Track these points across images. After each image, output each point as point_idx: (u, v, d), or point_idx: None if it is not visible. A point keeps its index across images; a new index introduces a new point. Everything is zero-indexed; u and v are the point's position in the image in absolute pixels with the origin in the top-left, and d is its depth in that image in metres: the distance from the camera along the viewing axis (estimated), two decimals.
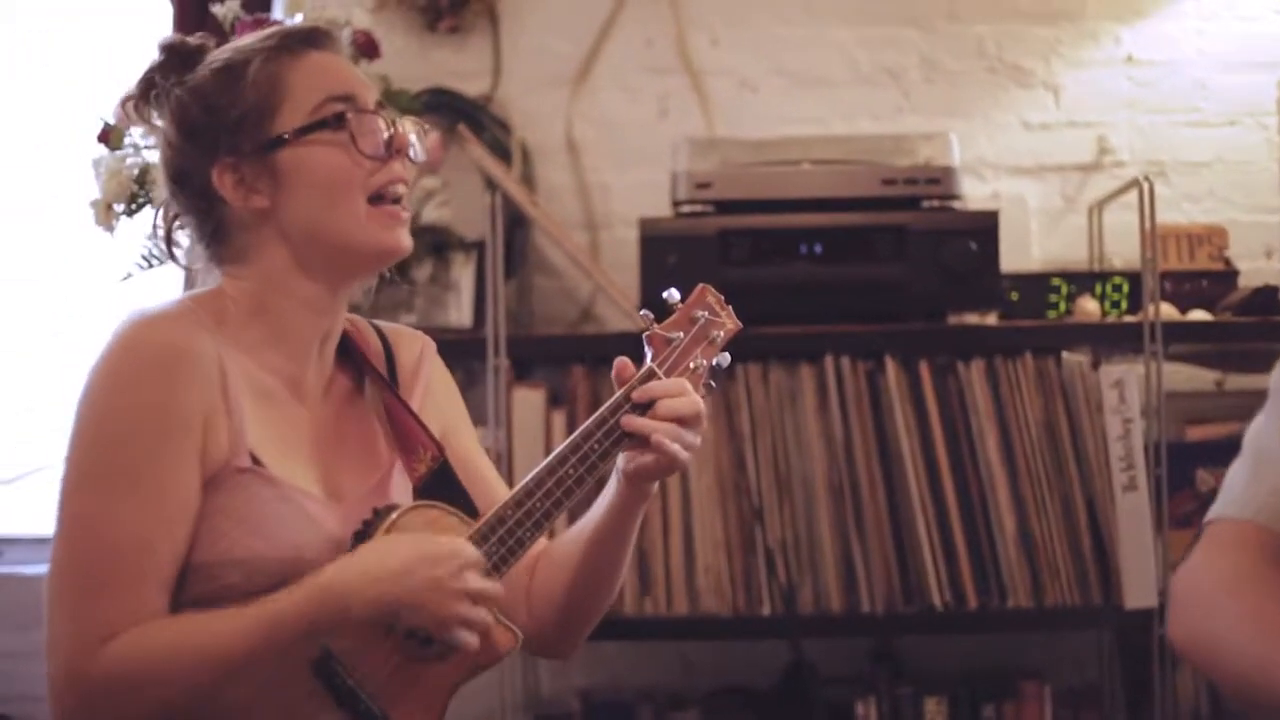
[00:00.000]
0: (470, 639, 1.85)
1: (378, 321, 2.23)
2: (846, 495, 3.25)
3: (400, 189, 2.00)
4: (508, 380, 3.28)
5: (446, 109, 3.76)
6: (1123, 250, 3.63)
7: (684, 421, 1.99)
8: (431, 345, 2.23)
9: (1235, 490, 1.90)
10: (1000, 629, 3.39)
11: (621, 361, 2.04)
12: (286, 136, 1.94)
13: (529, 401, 3.27)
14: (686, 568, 3.25)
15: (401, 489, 2.05)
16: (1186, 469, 3.37)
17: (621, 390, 2.01)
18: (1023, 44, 3.84)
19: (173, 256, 2.10)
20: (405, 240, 2.00)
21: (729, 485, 3.27)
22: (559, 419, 3.28)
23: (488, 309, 3.27)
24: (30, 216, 4.14)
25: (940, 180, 3.30)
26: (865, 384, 3.28)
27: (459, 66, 3.86)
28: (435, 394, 2.19)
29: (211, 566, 1.86)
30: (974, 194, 3.75)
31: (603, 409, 2.00)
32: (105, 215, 3.24)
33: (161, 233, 2.09)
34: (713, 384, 2.08)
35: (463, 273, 3.47)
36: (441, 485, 2.06)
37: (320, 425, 2.03)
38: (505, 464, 3.24)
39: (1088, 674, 3.63)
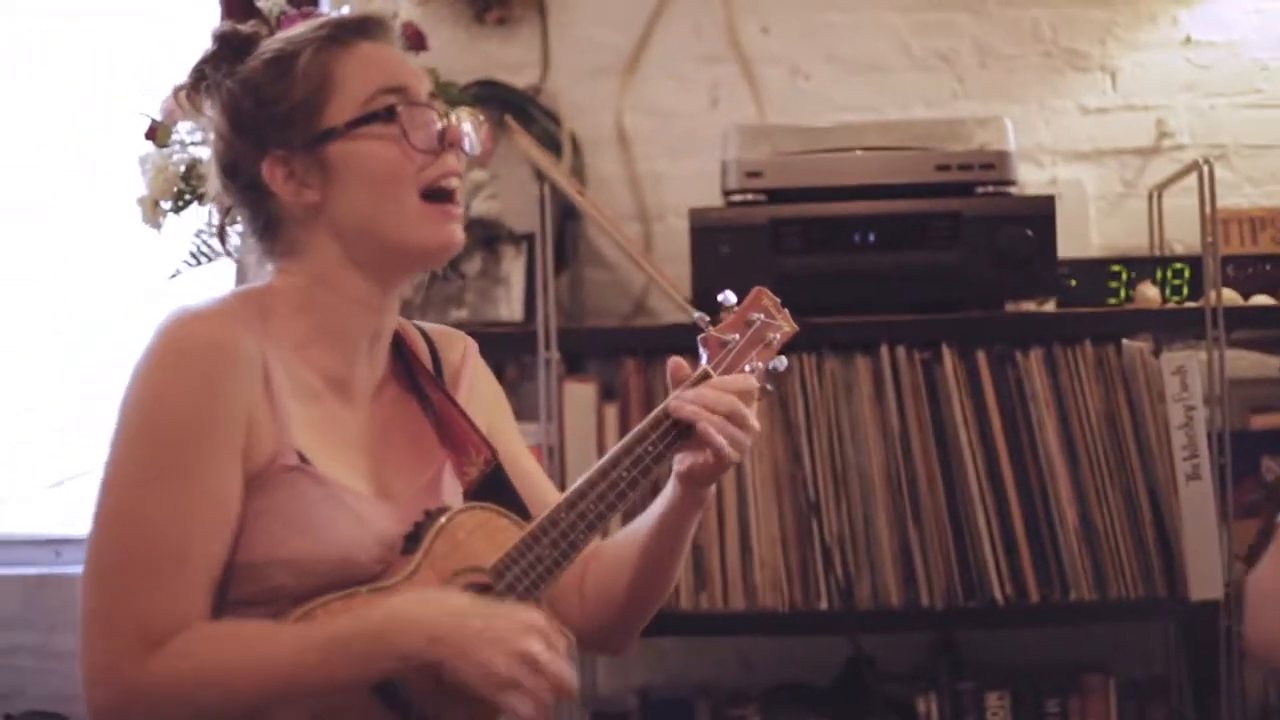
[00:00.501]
0: (522, 707, 1.75)
1: (420, 322, 2.21)
2: (904, 488, 3.19)
3: (453, 182, 1.98)
4: (559, 374, 3.24)
5: (495, 101, 3.72)
6: (1184, 235, 3.57)
7: (733, 418, 1.96)
8: (474, 345, 2.21)
9: None
10: (1063, 623, 3.33)
11: (676, 362, 2.02)
12: (337, 130, 1.91)
13: (580, 396, 3.23)
14: (743, 563, 3.21)
15: (451, 490, 2.03)
16: (1251, 457, 3.31)
17: (676, 391, 1.98)
18: (1078, 27, 3.77)
19: (226, 249, 2.08)
20: (458, 235, 1.98)
21: (784, 479, 3.22)
22: (611, 413, 3.24)
23: (538, 302, 3.23)
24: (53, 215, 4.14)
25: (995, 165, 3.23)
26: (922, 374, 3.22)
27: (507, 58, 3.83)
28: (479, 394, 2.18)
29: (260, 567, 1.84)
30: (1031, 180, 3.70)
31: (657, 410, 1.98)
32: (153, 212, 3.24)
33: (215, 225, 2.07)
34: (769, 387, 2.05)
35: (513, 266, 3.44)
36: (494, 488, 2.05)
37: (370, 424, 2.01)
38: (557, 459, 3.21)
39: (1154, 667, 3.57)
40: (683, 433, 1.97)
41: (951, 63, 3.79)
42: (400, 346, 2.09)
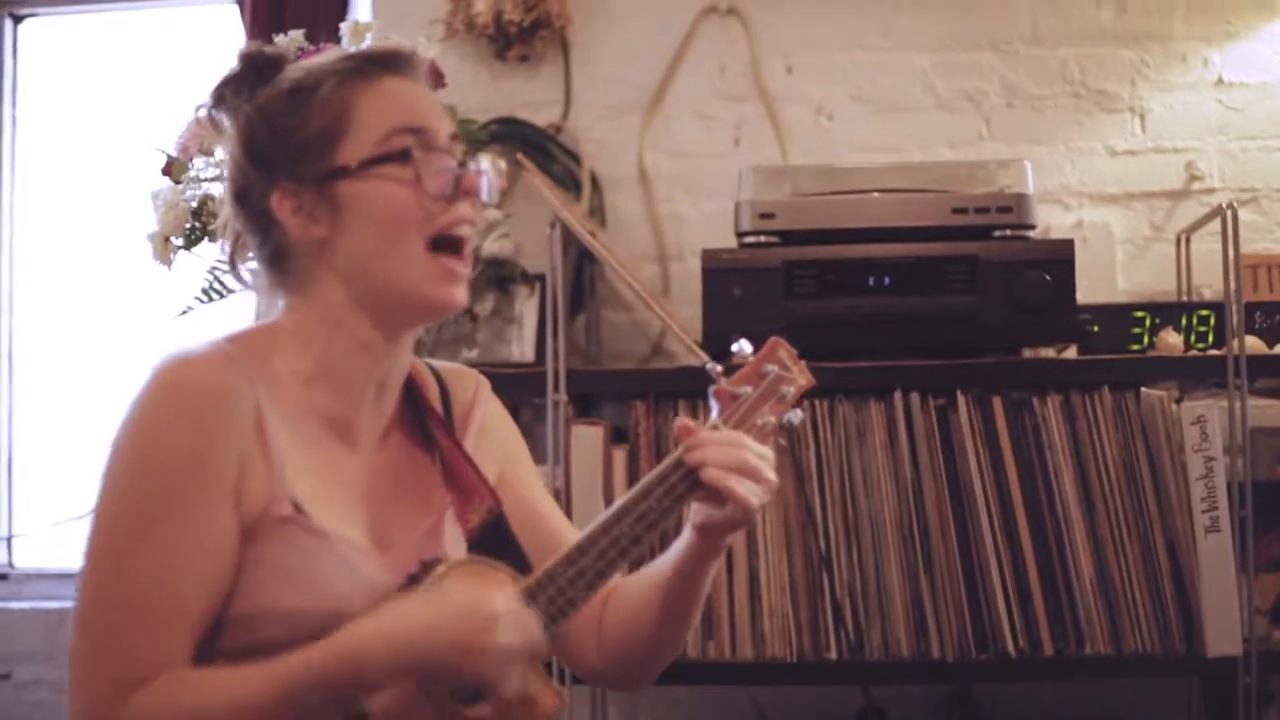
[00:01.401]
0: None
1: (432, 361, 2.18)
2: (916, 536, 3.13)
3: (465, 230, 1.93)
4: (567, 417, 3.20)
5: (515, 139, 3.71)
6: (1212, 280, 3.50)
7: (746, 472, 1.92)
8: (486, 384, 2.18)
9: None
10: (1077, 676, 3.26)
11: (682, 424, 1.96)
12: (349, 168, 1.88)
13: (588, 439, 3.18)
14: (752, 611, 3.15)
15: (453, 536, 2.00)
16: (1277, 509, 3.23)
17: (682, 445, 1.94)
18: (1108, 67, 3.72)
19: (238, 277, 2.05)
20: (459, 297, 1.93)
21: (795, 526, 3.17)
22: (620, 456, 3.20)
23: (547, 344, 3.20)
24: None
25: (1013, 208, 3.17)
26: (936, 421, 3.16)
27: (530, 95, 3.82)
28: (492, 433, 2.14)
29: (252, 619, 1.82)
30: (1057, 223, 3.65)
31: (663, 465, 1.94)
32: (163, 249, 3.22)
33: (228, 252, 2.05)
34: (782, 442, 2.01)
35: (526, 306, 3.41)
36: (495, 537, 2.00)
37: (373, 471, 1.98)
38: (564, 502, 3.17)
39: None
40: (692, 487, 1.93)
41: (978, 103, 3.74)
42: (411, 390, 2.05)
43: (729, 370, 2.03)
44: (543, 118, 3.79)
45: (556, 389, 3.17)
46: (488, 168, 1.97)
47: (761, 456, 1.95)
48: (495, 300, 3.42)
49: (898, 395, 3.16)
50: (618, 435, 3.26)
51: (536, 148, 3.69)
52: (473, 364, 3.29)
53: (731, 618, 3.15)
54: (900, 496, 3.15)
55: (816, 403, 3.18)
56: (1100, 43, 3.72)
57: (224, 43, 3.99)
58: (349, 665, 1.73)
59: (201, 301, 3.17)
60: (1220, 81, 3.67)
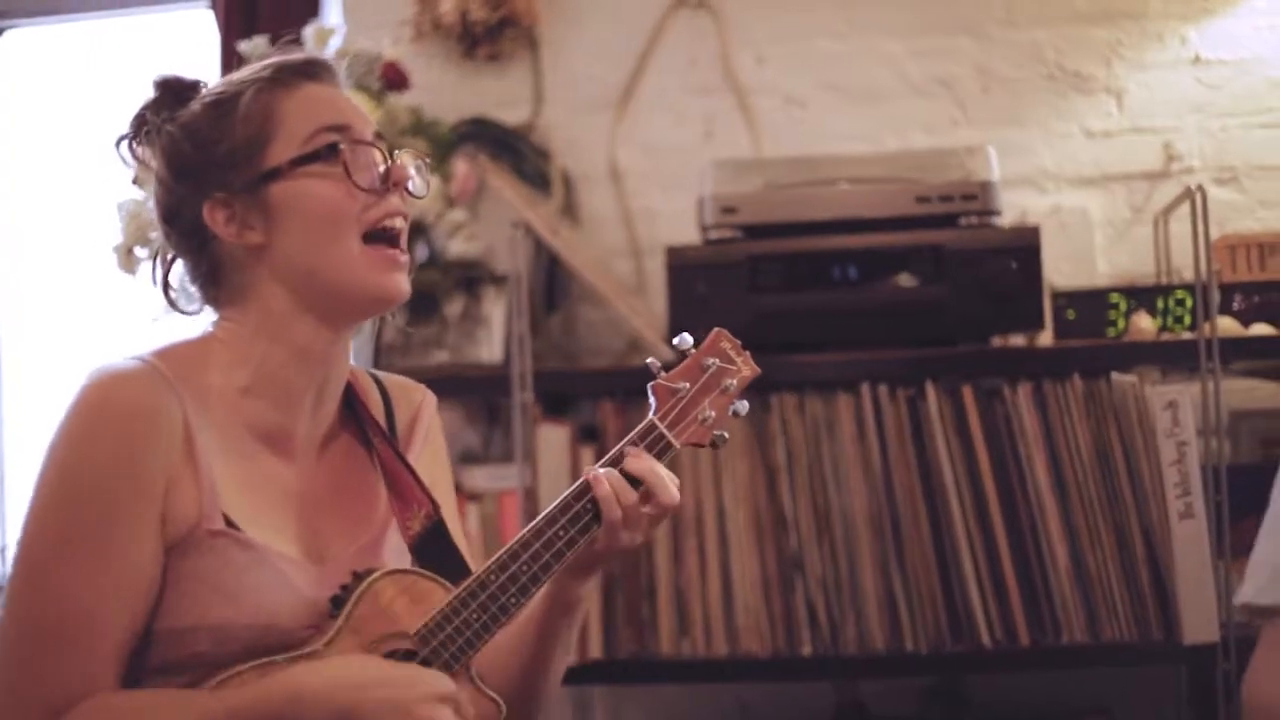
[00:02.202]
0: None
1: (376, 371, 2.17)
2: (888, 529, 3.10)
3: (398, 223, 1.93)
4: (533, 417, 3.18)
5: (486, 139, 3.69)
6: (1190, 262, 3.43)
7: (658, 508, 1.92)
8: (432, 400, 2.17)
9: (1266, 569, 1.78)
10: (1054, 667, 3.21)
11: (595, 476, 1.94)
12: (279, 169, 1.87)
13: (554, 438, 3.17)
14: (725, 607, 3.13)
15: (395, 548, 1.98)
16: (1258, 492, 3.17)
17: (615, 450, 1.94)
18: (1082, 48, 3.67)
19: (170, 302, 2.04)
20: (403, 285, 1.93)
21: (766, 521, 3.15)
22: (587, 455, 3.18)
23: (517, 343, 3.18)
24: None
25: (977, 196, 3.14)
26: (906, 412, 3.13)
27: (501, 95, 3.80)
28: (430, 451, 2.13)
29: (181, 633, 1.80)
30: (1034, 207, 3.61)
31: (566, 494, 1.93)
32: (126, 259, 3.23)
33: (159, 278, 2.03)
34: (725, 436, 1.98)
35: (494, 307, 3.39)
36: (435, 544, 1.99)
37: (310, 482, 1.96)
38: (532, 501, 3.15)
39: (1163, 711, 3.44)
40: (597, 516, 1.92)
41: (952, 88, 3.69)
42: (351, 398, 2.04)
43: (672, 365, 2.00)
44: (514, 116, 3.76)
45: (523, 389, 3.16)
46: (413, 164, 1.96)
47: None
48: (464, 302, 3.40)
49: (866, 387, 3.14)
50: (588, 434, 3.25)
51: (506, 147, 3.67)
52: (442, 366, 3.31)
53: (705, 614, 3.14)
54: (871, 489, 3.12)
55: (785, 396, 3.15)
56: (1074, 23, 3.66)
57: (199, 47, 3.98)
58: (290, 707, 1.73)
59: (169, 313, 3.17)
60: (1197, 60, 3.61)
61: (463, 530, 2.17)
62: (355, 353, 3.48)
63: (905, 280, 3.14)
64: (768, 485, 3.15)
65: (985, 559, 3.07)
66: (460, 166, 3.42)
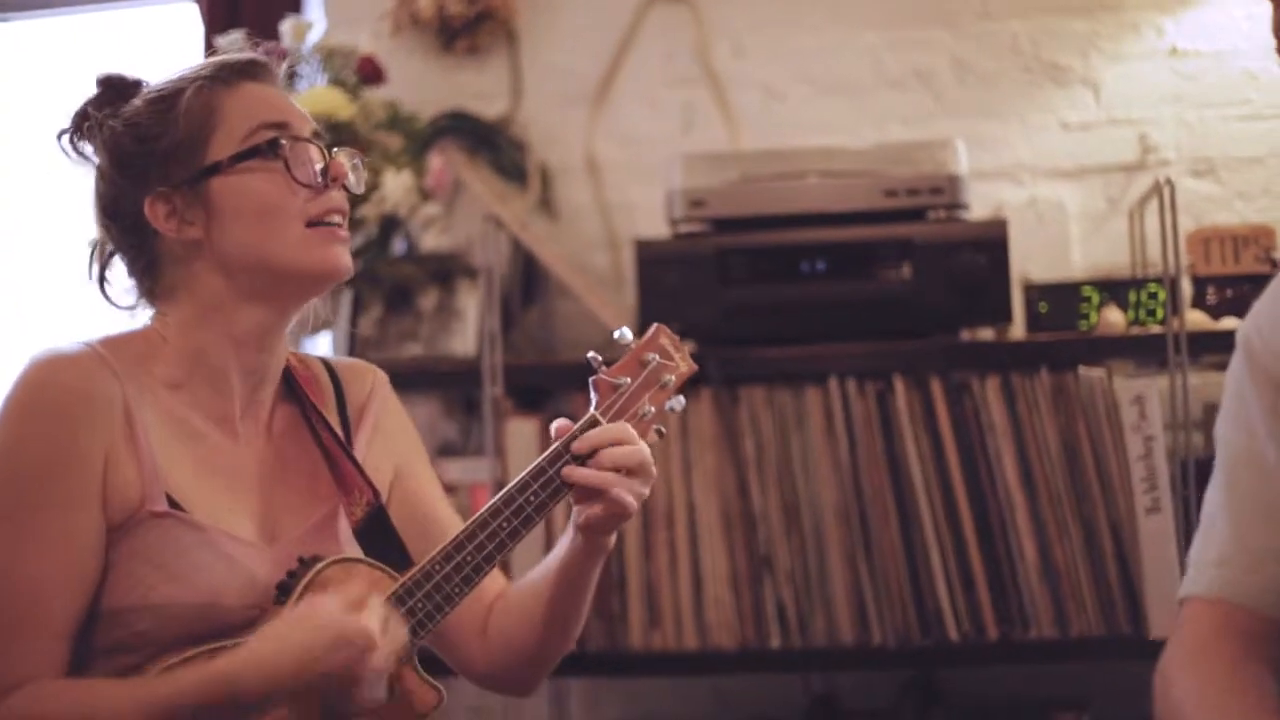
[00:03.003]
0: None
1: (328, 357, 2.19)
2: (856, 522, 3.11)
3: (337, 219, 1.95)
4: (504, 410, 3.20)
5: (463, 132, 3.70)
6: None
7: (628, 471, 1.92)
8: (383, 379, 2.19)
9: (1193, 562, 1.79)
10: (1022, 661, 3.22)
11: (562, 423, 1.97)
12: (219, 164, 1.90)
13: (523, 432, 3.18)
14: (695, 600, 3.14)
15: (345, 529, 2.00)
16: None
17: (560, 440, 1.94)
18: (1059, 39, 3.65)
19: (106, 296, 2.06)
20: (344, 259, 1.96)
21: (734, 514, 3.15)
22: None
23: (484, 338, 3.20)
24: None
25: (944, 190, 3.14)
26: (874, 405, 3.13)
27: (479, 87, 3.80)
28: (387, 430, 2.15)
29: (126, 613, 1.83)
30: (1010, 199, 3.61)
31: (540, 459, 1.95)
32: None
33: (96, 272, 2.05)
34: (663, 430, 2.01)
35: (468, 301, 3.40)
36: (376, 532, 2.01)
37: (261, 462, 1.99)
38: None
39: (1135, 704, 3.43)
40: (538, 507, 1.93)
41: (928, 80, 3.68)
42: (292, 384, 2.06)
43: (612, 361, 2.02)
44: (492, 109, 3.77)
45: (494, 383, 3.17)
46: (350, 162, 1.98)
47: (637, 453, 1.95)
48: (438, 295, 3.41)
49: (834, 380, 3.14)
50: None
51: (484, 140, 3.68)
52: (416, 358, 3.32)
53: (676, 607, 3.15)
54: (839, 482, 3.13)
55: (754, 390, 3.16)
56: (1051, 15, 3.65)
57: (184, 40, 4.00)
58: (221, 691, 1.75)
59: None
60: (1174, 51, 3.59)
61: (442, 493, 2.20)
62: (330, 345, 3.51)
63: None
64: (737, 478, 3.16)
65: (953, 553, 3.08)
66: (435, 160, 3.44)
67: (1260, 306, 1.77)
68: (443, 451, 3.56)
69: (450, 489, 3.27)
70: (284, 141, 1.91)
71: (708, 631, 3.13)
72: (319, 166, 1.94)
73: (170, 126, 1.91)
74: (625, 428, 1.96)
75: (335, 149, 1.98)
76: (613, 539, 2.02)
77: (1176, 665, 1.72)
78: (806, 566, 3.12)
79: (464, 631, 2.10)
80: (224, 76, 1.95)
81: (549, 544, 2.51)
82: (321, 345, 3.60)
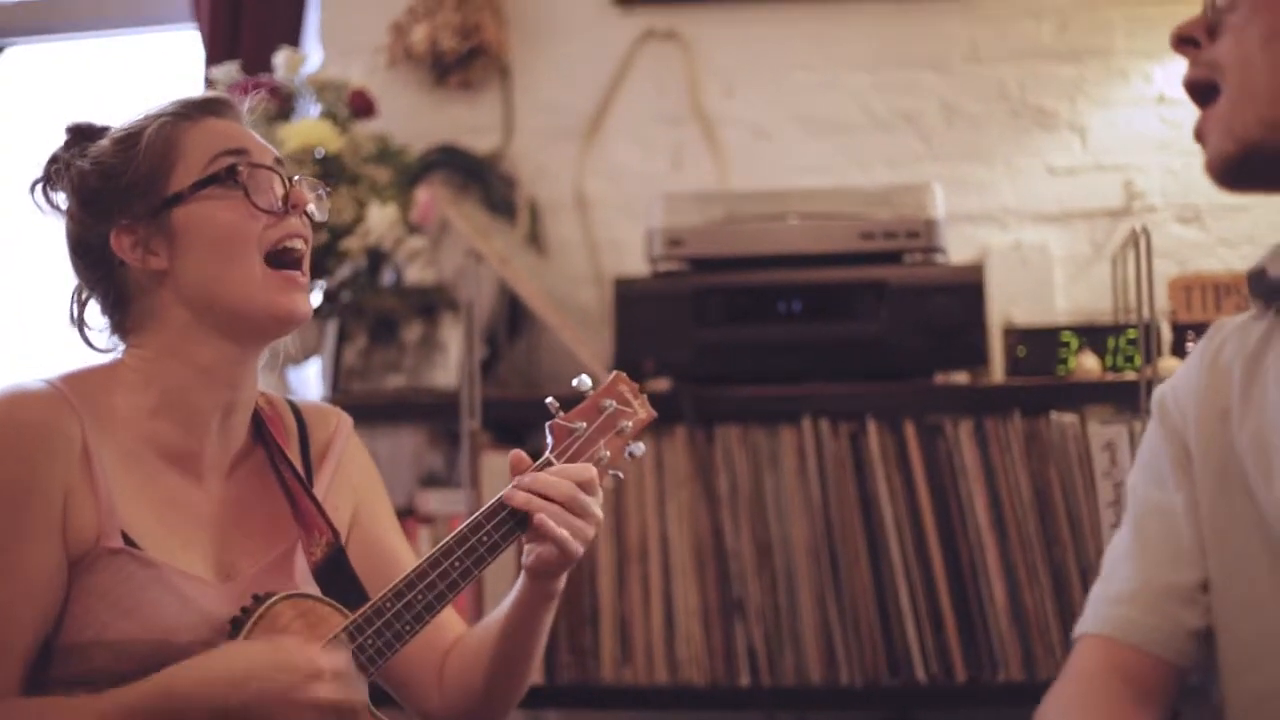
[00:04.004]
0: None
1: (294, 399, 2.21)
2: (827, 562, 3.13)
3: (298, 244, 1.98)
4: (481, 443, 3.22)
5: (454, 166, 3.73)
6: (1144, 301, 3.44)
7: (571, 507, 1.94)
8: (347, 422, 2.21)
9: (1090, 602, 1.82)
10: (989, 704, 3.22)
11: (516, 454, 2.00)
12: (181, 194, 1.93)
13: (499, 465, 3.19)
14: (667, 636, 3.16)
15: (302, 568, 2.03)
16: None
17: (514, 480, 1.96)
18: (1047, 84, 3.67)
19: (86, 340, 2.09)
20: (302, 306, 1.98)
21: (707, 551, 3.17)
22: None
23: (463, 371, 3.22)
24: None
25: (921, 233, 3.16)
26: (847, 446, 3.15)
27: (472, 122, 3.83)
28: (348, 471, 2.17)
29: (82, 648, 1.85)
30: (995, 242, 3.62)
31: (492, 502, 1.97)
32: None
33: (75, 314, 2.09)
34: (620, 474, 2.03)
35: (452, 334, 3.43)
36: (335, 572, 2.04)
37: (219, 502, 2.01)
38: None
39: None
40: (519, 523, 1.96)
41: (916, 123, 3.70)
42: (260, 424, 2.09)
43: (572, 405, 2.05)
44: (484, 144, 3.79)
45: (472, 416, 3.19)
46: (312, 191, 2.01)
47: (590, 493, 1.97)
48: (422, 327, 3.44)
49: (808, 420, 3.16)
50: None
51: (474, 175, 3.71)
52: (399, 390, 3.34)
53: (647, 642, 3.16)
54: (812, 522, 3.14)
55: (728, 429, 3.18)
56: (1039, 60, 3.67)
57: (186, 66, 4.05)
58: (166, 709, 1.77)
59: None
60: (1162, 98, 3.61)
61: (400, 534, 2.22)
62: (316, 374, 3.55)
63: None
64: (710, 516, 3.18)
65: (923, 594, 3.09)
66: (421, 194, 3.47)
67: (1178, 371, 1.82)
68: (427, 482, 3.59)
69: (429, 519, 3.33)
70: (242, 168, 1.94)
71: (679, 667, 3.15)
72: (279, 193, 1.97)
73: (133, 162, 1.95)
74: (577, 469, 1.98)
75: (297, 177, 2.01)
76: (560, 584, 2.04)
77: (1057, 709, 1.75)
78: (777, 605, 3.14)
79: (420, 674, 2.12)
80: (186, 113, 1.99)
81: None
82: (308, 374, 3.64)
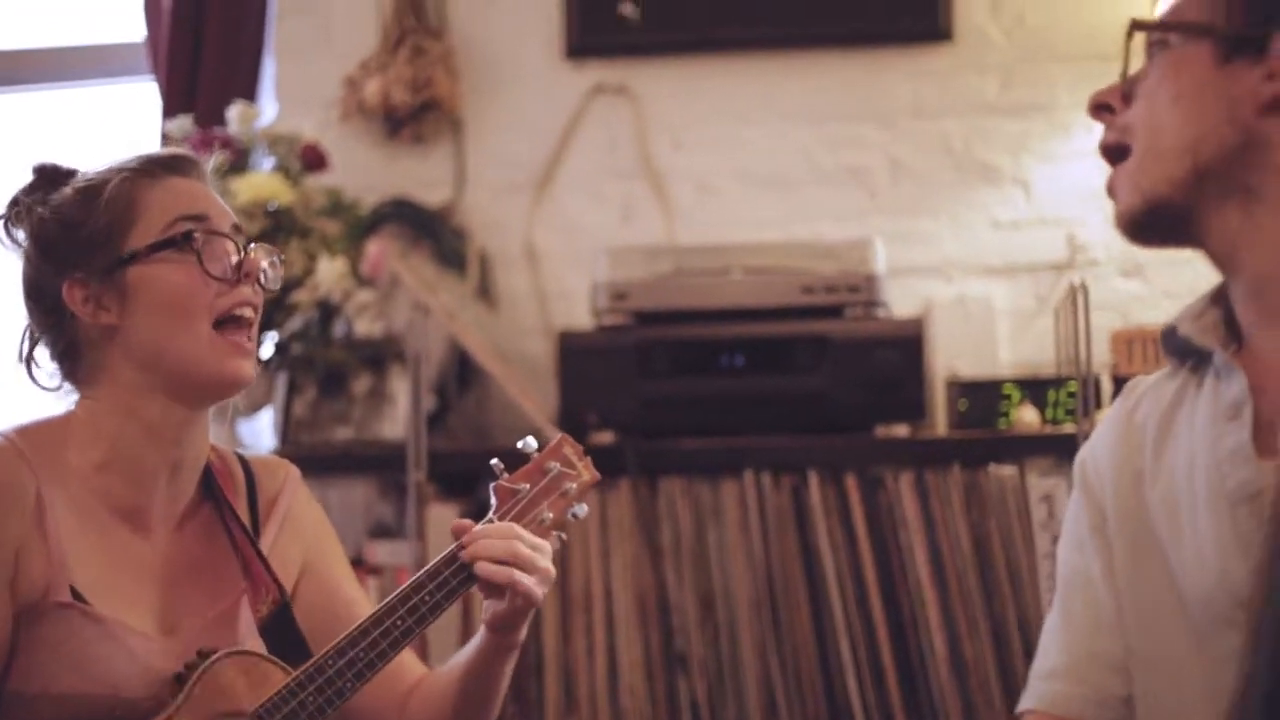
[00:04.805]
0: None
1: (243, 451, 2.22)
2: (769, 614, 3.15)
3: (248, 312, 1.99)
4: (427, 495, 3.24)
5: (405, 219, 3.76)
6: (1095, 353, 3.47)
7: (518, 562, 1.97)
8: (295, 474, 2.22)
9: (1030, 677, 1.84)
10: None
11: (458, 524, 2.01)
12: (136, 253, 1.94)
13: (445, 517, 3.22)
14: (610, 687, 3.18)
15: (247, 623, 2.04)
16: None
17: (455, 544, 1.99)
18: (991, 139, 3.72)
19: (33, 379, 2.11)
20: (247, 370, 1.99)
21: (650, 603, 3.20)
22: None
23: (409, 424, 3.25)
24: None
25: (861, 288, 3.20)
26: (789, 498, 3.18)
27: (424, 175, 3.86)
28: (297, 523, 2.18)
29: (30, 699, 1.86)
30: (940, 296, 3.64)
31: (435, 561, 1.98)
32: None
33: (24, 354, 2.10)
34: (564, 536, 2.05)
35: (400, 386, 3.45)
36: (280, 629, 2.05)
37: (166, 556, 2.02)
38: None
39: None
40: (463, 581, 1.97)
41: (862, 177, 3.74)
42: (210, 478, 2.10)
43: (516, 466, 2.07)
44: (436, 197, 3.82)
45: (418, 468, 3.22)
46: (266, 258, 2.03)
47: (535, 548, 1.99)
48: (371, 379, 3.47)
49: (750, 473, 3.18)
50: (483, 513, 3.28)
51: (425, 228, 3.74)
52: (347, 442, 3.36)
53: (591, 693, 3.18)
54: (754, 574, 3.17)
55: (671, 481, 3.21)
56: (984, 115, 3.72)
57: (142, 118, 4.07)
58: None
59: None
60: None
61: (355, 583, 2.23)
62: (266, 425, 3.56)
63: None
64: (653, 568, 3.20)
65: (864, 646, 3.11)
66: (371, 248, 3.49)
67: (1095, 432, 1.84)
68: (375, 533, 3.60)
69: (377, 570, 3.34)
70: (198, 234, 1.96)
71: (622, 718, 3.16)
72: (233, 261, 1.98)
73: (93, 215, 1.96)
74: (510, 527, 2.00)
75: (253, 245, 2.02)
76: (521, 636, 2.04)
77: None
78: (719, 656, 3.16)
79: (382, 716, 2.13)
80: (149, 170, 2.00)
81: None
82: (258, 425, 3.65)
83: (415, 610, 1.95)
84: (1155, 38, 1.67)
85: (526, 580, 1.96)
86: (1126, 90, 1.69)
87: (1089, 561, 1.78)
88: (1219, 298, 1.73)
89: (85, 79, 4.26)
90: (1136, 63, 1.68)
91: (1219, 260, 1.65)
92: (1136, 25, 1.68)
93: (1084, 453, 1.84)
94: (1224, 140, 1.59)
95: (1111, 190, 1.73)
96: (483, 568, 1.95)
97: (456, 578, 1.96)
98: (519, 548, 1.96)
